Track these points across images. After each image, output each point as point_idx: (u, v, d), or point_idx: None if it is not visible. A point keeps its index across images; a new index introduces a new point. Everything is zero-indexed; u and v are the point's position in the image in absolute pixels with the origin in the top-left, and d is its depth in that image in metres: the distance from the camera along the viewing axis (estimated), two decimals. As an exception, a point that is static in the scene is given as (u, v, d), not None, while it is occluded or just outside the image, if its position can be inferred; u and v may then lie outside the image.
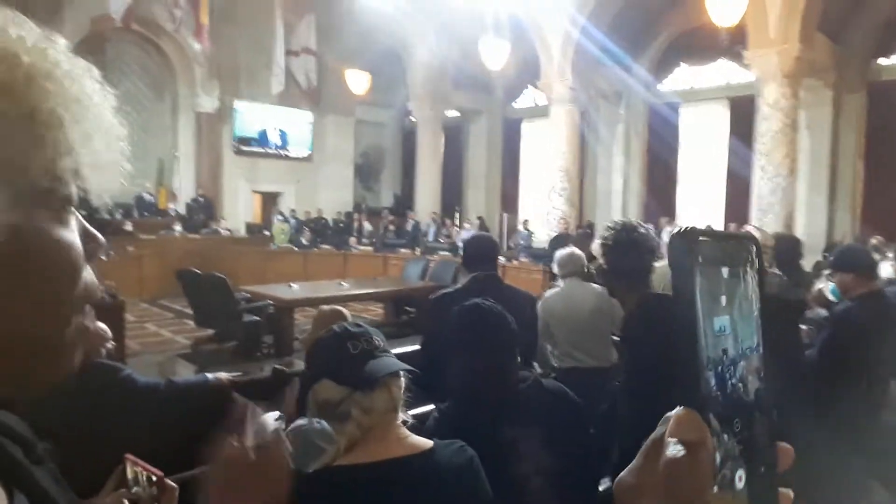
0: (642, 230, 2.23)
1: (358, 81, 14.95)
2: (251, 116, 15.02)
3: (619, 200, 15.32)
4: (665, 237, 8.42)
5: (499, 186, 18.17)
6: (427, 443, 1.35)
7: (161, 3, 12.38)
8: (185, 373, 6.06)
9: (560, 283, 3.98)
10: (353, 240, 12.99)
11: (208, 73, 14.09)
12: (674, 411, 0.37)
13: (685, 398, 0.37)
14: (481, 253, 3.13)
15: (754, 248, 0.40)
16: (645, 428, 0.40)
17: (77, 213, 0.46)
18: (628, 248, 2.16)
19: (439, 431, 1.54)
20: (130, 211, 12.79)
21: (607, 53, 12.42)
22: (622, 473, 0.39)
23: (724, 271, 0.38)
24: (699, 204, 14.24)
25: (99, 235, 0.48)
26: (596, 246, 6.45)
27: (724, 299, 0.37)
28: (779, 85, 9.34)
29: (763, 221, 9.09)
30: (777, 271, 4.06)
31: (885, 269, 5.41)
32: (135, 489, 1.25)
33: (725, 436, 0.37)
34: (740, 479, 0.37)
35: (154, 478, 1.24)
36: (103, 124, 0.46)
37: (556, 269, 4.09)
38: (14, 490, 0.47)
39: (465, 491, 1.31)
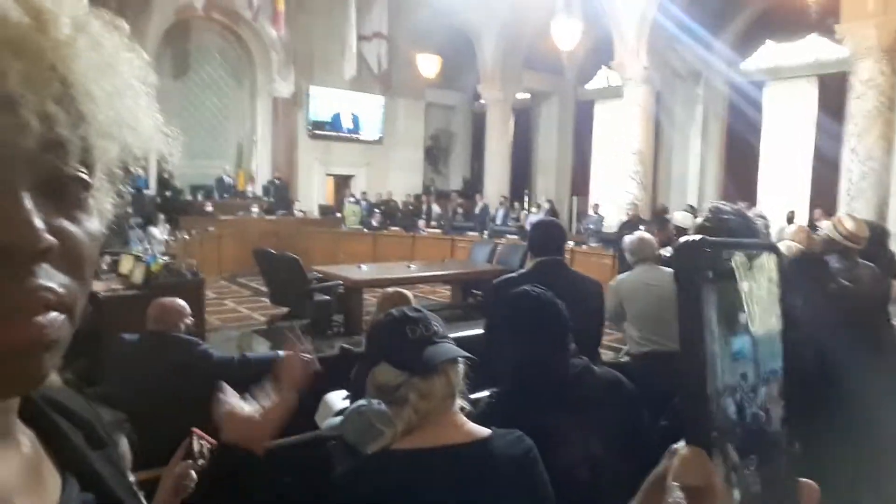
0: (749, 216, 2.03)
1: (428, 65, 15.00)
2: (325, 101, 15.35)
3: (695, 185, 14.76)
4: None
5: (569, 169, 17.86)
6: (485, 431, 1.34)
7: (240, -8, 12.80)
8: (260, 348, 6.35)
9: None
10: (421, 222, 13.13)
11: (284, 59, 14.47)
12: (679, 446, 0.33)
13: (691, 433, 0.32)
14: (547, 238, 3.09)
15: (776, 260, 0.36)
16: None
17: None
18: (734, 234, 1.93)
19: (490, 419, 1.55)
20: (211, 193, 13.38)
21: (686, 31, 11.91)
22: None
23: (744, 286, 0.33)
24: (782, 189, 13.52)
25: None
26: (686, 220, 6.04)
27: (744, 318, 0.33)
28: (875, 60, 8.69)
29: (852, 208, 8.54)
30: (868, 263, 3.82)
31: None
32: (200, 461, 1.32)
33: (746, 471, 0.33)
34: None
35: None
36: (123, 86, 0.42)
37: (627, 255, 3.98)
38: (68, 475, 0.48)
39: (522, 481, 1.31)
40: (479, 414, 1.68)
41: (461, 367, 1.37)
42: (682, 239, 0.34)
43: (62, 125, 0.39)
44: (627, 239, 4.01)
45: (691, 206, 12.86)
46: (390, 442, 1.27)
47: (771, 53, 13.94)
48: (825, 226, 3.90)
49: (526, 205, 15.30)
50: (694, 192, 14.64)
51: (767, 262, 0.35)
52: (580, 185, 17.41)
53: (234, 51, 14.83)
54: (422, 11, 14.47)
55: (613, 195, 12.68)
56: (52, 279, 0.39)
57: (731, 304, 0.33)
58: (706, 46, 13.22)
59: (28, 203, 0.37)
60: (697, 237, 0.34)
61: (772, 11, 13.04)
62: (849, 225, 3.40)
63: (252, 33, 14.30)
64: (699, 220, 2.03)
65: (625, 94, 12.22)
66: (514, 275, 3.36)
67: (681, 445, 0.33)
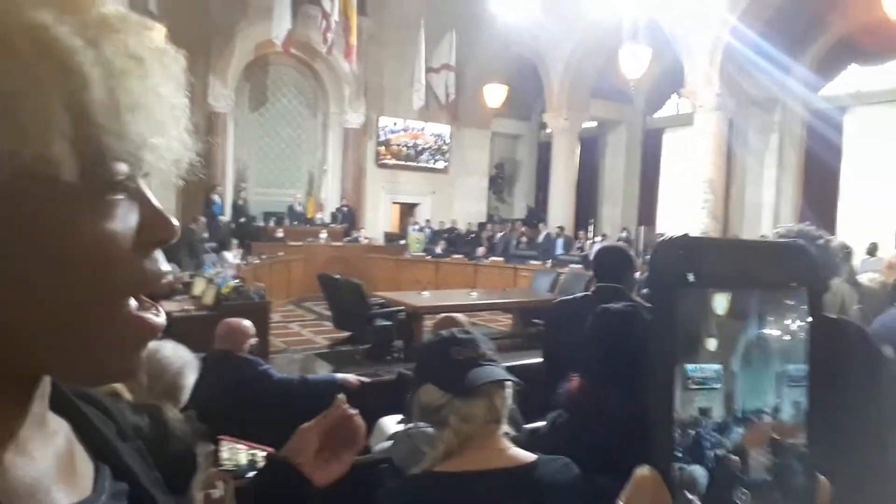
0: (823, 240, 1.83)
1: (495, 95, 15.15)
2: (393, 130, 15.76)
3: (769, 214, 14.13)
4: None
5: (636, 198, 17.51)
6: (530, 456, 1.31)
7: (316, 28, 13.36)
8: (322, 371, 6.47)
9: None
10: (481, 249, 12.99)
11: (356, 91, 14.96)
12: (639, 469, 0.31)
13: (651, 453, 0.29)
14: (608, 264, 3.02)
15: (804, 261, 0.29)
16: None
17: (146, 193, 0.43)
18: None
19: (553, 445, 1.49)
20: (282, 219, 13.87)
21: (762, 55, 11.55)
22: None
23: (724, 301, 0.27)
24: (865, 219, 12.76)
25: (170, 220, 0.44)
26: None
27: (712, 343, 0.28)
28: (969, 85, 8.17)
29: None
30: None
31: None
32: (234, 468, 1.33)
33: None
34: None
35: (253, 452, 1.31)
36: (152, 96, 0.41)
37: None
38: (100, 463, 0.49)
39: None
40: (543, 433, 1.63)
41: (508, 392, 1.34)
42: (666, 235, 0.29)
43: (97, 125, 0.40)
44: None
45: (763, 238, 12.30)
46: (432, 464, 1.26)
47: (855, 77, 13.32)
48: None
49: (591, 234, 15.07)
50: (769, 222, 14.02)
51: (793, 265, 0.30)
52: (647, 214, 17.01)
53: (309, 84, 15.46)
54: (490, 43, 14.69)
55: (682, 225, 12.32)
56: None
57: (703, 320, 0.28)
58: (783, 71, 12.76)
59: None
60: (680, 233, 0.29)
61: (857, 34, 12.49)
62: None
63: (326, 66, 14.88)
64: None
65: (696, 122, 11.94)
66: (570, 297, 3.32)
67: (638, 469, 0.31)
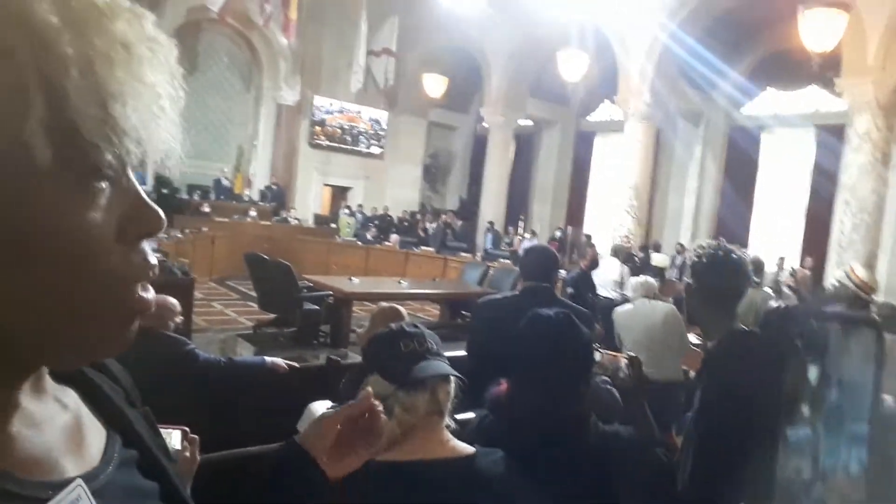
0: (738, 254, 2.00)
1: (434, 85, 15.13)
2: (328, 111, 15.46)
3: (689, 223, 14.88)
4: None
5: (566, 198, 17.98)
6: (469, 448, 1.36)
7: (254, -2, 12.91)
8: (245, 353, 6.31)
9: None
10: (394, 238, 12.83)
11: (292, 67, 14.58)
12: None
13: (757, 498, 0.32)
14: (537, 264, 3.05)
15: (875, 336, 0.34)
16: (712, 462, 0.33)
17: (132, 184, 0.42)
18: (723, 272, 1.89)
19: (478, 439, 1.54)
20: (208, 193, 13.36)
21: (691, 70, 12.10)
22: None
23: (815, 370, 0.32)
24: (774, 234, 13.65)
25: (157, 212, 0.43)
26: (663, 261, 5.90)
27: (805, 408, 0.32)
28: (872, 116, 8.86)
29: (843, 259, 8.64)
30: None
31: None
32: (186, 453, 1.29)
33: None
34: None
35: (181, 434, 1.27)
36: (145, 78, 0.40)
37: (629, 292, 4.73)
38: (111, 432, 0.50)
39: (502, 501, 1.31)
40: (469, 433, 1.66)
41: (452, 387, 1.38)
42: (774, 304, 0.33)
43: (84, 105, 0.39)
44: (633, 280, 4.80)
45: (681, 245, 12.96)
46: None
47: (772, 100, 14.18)
48: (838, 273, 3.94)
49: (521, 230, 15.37)
50: (688, 230, 14.75)
51: (866, 338, 0.34)
52: (576, 214, 17.51)
53: (243, 55, 14.92)
54: (432, 32, 14.64)
55: (607, 227, 12.76)
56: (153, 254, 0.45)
57: (800, 387, 0.32)
58: (709, 88, 13.43)
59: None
60: (790, 304, 0.32)
61: (774, 58, 13.27)
62: (861, 273, 3.48)
63: (262, 39, 14.40)
64: (690, 259, 2.08)
65: (626, 129, 12.36)
66: (498, 296, 3.37)
67: None
